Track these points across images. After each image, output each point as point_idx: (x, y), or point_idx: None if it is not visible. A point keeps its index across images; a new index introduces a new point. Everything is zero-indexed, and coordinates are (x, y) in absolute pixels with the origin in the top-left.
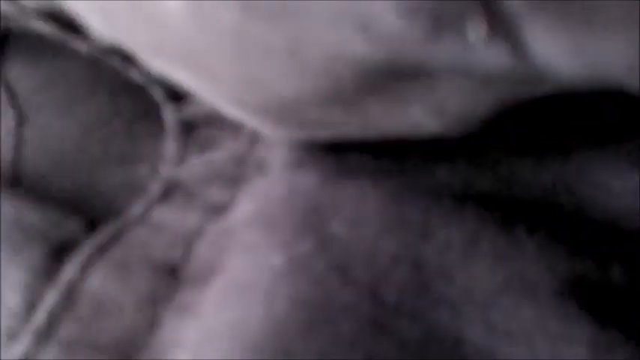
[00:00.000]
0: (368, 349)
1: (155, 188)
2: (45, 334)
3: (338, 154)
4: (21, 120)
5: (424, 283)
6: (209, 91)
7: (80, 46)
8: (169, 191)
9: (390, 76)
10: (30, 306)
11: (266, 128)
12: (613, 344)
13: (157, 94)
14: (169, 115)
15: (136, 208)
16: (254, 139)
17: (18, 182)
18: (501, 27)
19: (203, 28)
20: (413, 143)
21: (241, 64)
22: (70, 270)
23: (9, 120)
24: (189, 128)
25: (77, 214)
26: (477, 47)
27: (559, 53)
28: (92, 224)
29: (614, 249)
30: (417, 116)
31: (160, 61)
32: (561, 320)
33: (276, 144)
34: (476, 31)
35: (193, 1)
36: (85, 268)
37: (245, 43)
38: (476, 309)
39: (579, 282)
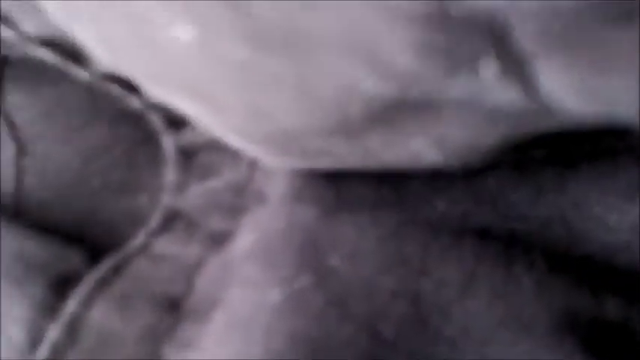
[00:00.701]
0: None
1: (156, 218)
2: None
3: (337, 186)
4: (21, 150)
5: (422, 318)
6: (212, 121)
7: (80, 73)
8: (170, 221)
9: (398, 110)
10: (33, 341)
11: (267, 157)
12: None
13: (156, 122)
14: (168, 142)
15: (138, 239)
16: (253, 166)
17: (19, 213)
18: (514, 66)
19: (211, 61)
20: (413, 175)
21: (248, 97)
22: (72, 304)
23: (9, 150)
24: (188, 155)
25: (78, 246)
26: (489, 85)
27: (569, 91)
28: (94, 255)
29: (609, 284)
30: (417, 147)
31: (163, 90)
32: (557, 355)
33: (275, 174)
34: (489, 69)
35: (202, 35)
36: (87, 302)
37: (254, 76)
38: (473, 345)
39: (575, 317)
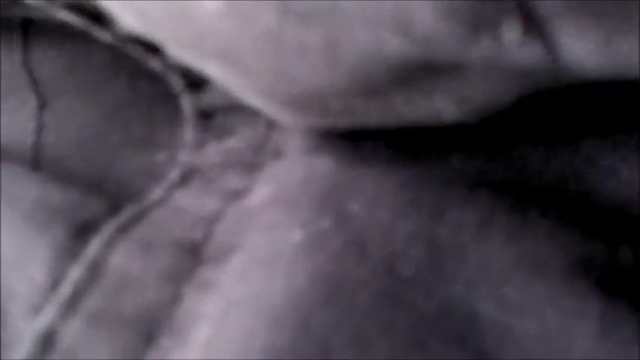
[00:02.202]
0: (384, 321)
1: (174, 174)
2: (70, 307)
3: (354, 141)
4: (42, 105)
5: (439, 260)
6: (238, 84)
7: (102, 34)
8: (187, 177)
9: (422, 72)
10: (55, 281)
11: (287, 118)
12: (622, 319)
13: (176, 83)
14: (187, 102)
15: (156, 193)
16: (271, 126)
17: (40, 164)
18: (536, 27)
19: (240, 28)
20: (428, 131)
21: (276, 62)
22: (93, 248)
23: (30, 105)
24: (206, 116)
25: (98, 196)
26: (512, 47)
27: (590, 52)
28: (113, 206)
29: (622, 233)
30: (438, 105)
31: (193, 57)
32: (572, 296)
33: (292, 131)
34: (511, 31)
35: (231, 2)
36: (108, 246)
37: (281, 42)
38: (489, 285)
39: (589, 261)
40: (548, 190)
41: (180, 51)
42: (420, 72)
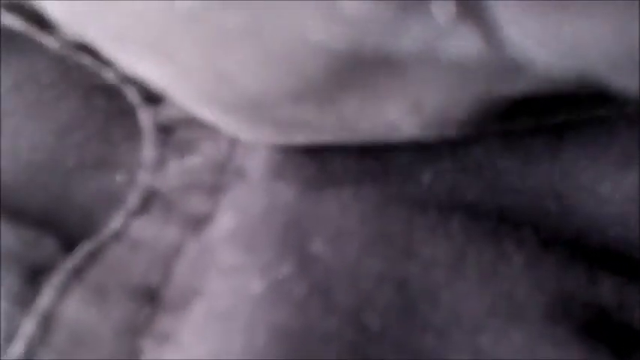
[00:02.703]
0: None
1: (133, 199)
2: None
3: (318, 161)
4: None
5: (409, 305)
6: (177, 86)
7: (50, 42)
8: (148, 202)
9: (359, 67)
10: (8, 335)
11: (241, 131)
12: None
13: (132, 96)
14: (145, 116)
15: (114, 222)
16: (233, 142)
17: None
18: (471, 8)
19: (164, 13)
20: (396, 148)
21: (204, 51)
22: (46, 297)
23: None
24: (166, 131)
25: (54, 231)
26: (446, 31)
27: (533, 38)
28: (69, 240)
29: (603, 261)
30: (392, 115)
31: (124, 50)
32: (550, 344)
33: (255, 149)
34: (443, 12)
35: None
36: (61, 295)
37: (204, 28)
38: (463, 334)
39: (569, 301)
40: (525, 209)
41: (113, 47)
42: (357, 70)
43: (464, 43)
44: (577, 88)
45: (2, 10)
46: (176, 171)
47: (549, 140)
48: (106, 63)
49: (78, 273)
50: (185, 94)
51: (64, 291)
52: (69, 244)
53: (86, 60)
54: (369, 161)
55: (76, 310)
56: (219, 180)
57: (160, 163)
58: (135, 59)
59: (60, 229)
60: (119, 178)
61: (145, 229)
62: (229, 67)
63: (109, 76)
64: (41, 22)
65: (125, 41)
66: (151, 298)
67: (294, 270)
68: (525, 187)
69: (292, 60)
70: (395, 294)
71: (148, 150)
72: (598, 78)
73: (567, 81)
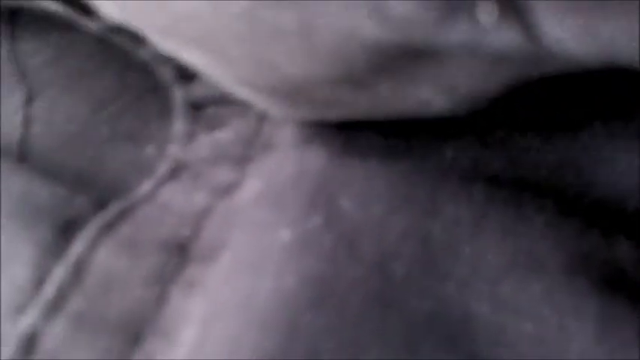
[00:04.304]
0: (376, 324)
1: (163, 168)
2: (53, 308)
3: (346, 133)
4: (29, 97)
5: (432, 258)
6: (220, 73)
7: (89, 25)
8: (177, 171)
9: (402, 58)
10: (38, 281)
11: (275, 109)
12: (620, 319)
13: (165, 74)
14: (177, 94)
15: (144, 188)
16: (262, 118)
17: (26, 159)
18: (513, 8)
19: (214, 11)
20: (421, 122)
21: (253, 47)
22: (78, 246)
23: (17, 97)
24: (196, 107)
25: (85, 192)
26: (489, 29)
27: (570, 34)
28: (100, 202)
29: (620, 228)
30: (426, 95)
31: (171, 43)
32: (569, 295)
33: (284, 124)
34: (487, 13)
35: None
36: (93, 245)
37: (256, 26)
38: (484, 284)
39: (587, 258)
40: (545, 181)
41: (160, 39)
42: (399, 59)
43: (504, 39)
44: (603, 68)
45: None
46: (205, 144)
47: (569, 118)
48: (141, 44)
49: (109, 227)
50: (226, 78)
51: (95, 242)
52: (100, 204)
53: (123, 40)
54: (394, 136)
55: (107, 258)
56: (247, 152)
57: (190, 138)
58: (179, 49)
59: (92, 190)
60: (150, 149)
61: (174, 194)
62: (275, 58)
63: (144, 55)
64: (82, 8)
65: (172, 36)
66: (179, 251)
67: (322, 223)
68: (546, 161)
69: (339, 53)
70: (418, 247)
71: (179, 125)
72: (626, 63)
73: (596, 64)
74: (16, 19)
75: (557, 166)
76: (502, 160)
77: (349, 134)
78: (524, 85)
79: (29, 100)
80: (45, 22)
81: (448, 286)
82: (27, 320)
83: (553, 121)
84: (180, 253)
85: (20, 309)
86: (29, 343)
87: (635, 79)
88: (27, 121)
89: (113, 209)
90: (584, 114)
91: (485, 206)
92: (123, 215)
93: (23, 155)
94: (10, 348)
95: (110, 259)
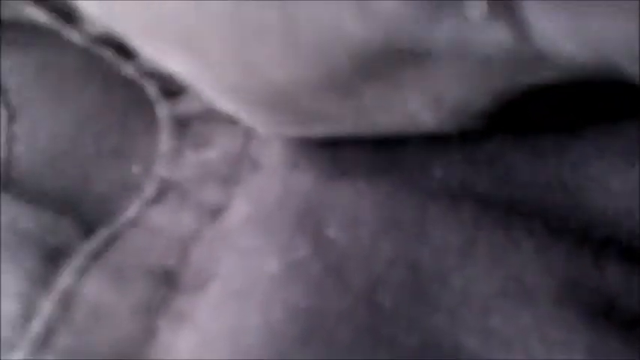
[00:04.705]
0: (364, 357)
1: (149, 188)
2: (42, 343)
3: (333, 152)
4: (12, 116)
5: (421, 287)
6: (203, 79)
7: (73, 35)
8: (163, 191)
9: (387, 61)
10: (27, 315)
11: (260, 123)
12: (610, 350)
13: (151, 89)
14: (163, 110)
15: (131, 210)
16: (248, 136)
17: (11, 182)
18: (502, 5)
19: (198, 9)
20: (409, 140)
21: (236, 46)
22: (65, 277)
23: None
24: (183, 124)
25: (72, 216)
26: (477, 27)
27: (560, 32)
28: (87, 226)
29: (610, 251)
30: (412, 106)
31: (155, 45)
32: (559, 326)
33: (270, 141)
34: (475, 9)
35: None
36: (80, 275)
37: (239, 23)
38: (473, 315)
39: (577, 285)
40: (534, 202)
41: (143, 42)
42: (384, 62)
43: (493, 38)
44: (595, 76)
45: (27, 3)
46: (192, 163)
47: (559, 136)
48: (126, 57)
49: (96, 256)
50: (210, 85)
51: (83, 272)
52: (87, 229)
53: (108, 54)
54: (382, 155)
55: (95, 290)
56: (234, 172)
57: (176, 155)
58: (163, 53)
59: (78, 214)
60: (135, 168)
61: (161, 216)
62: (258, 60)
63: (130, 70)
64: (66, 16)
65: (155, 37)
66: (167, 280)
67: (310, 252)
68: (535, 181)
69: (323, 53)
70: (407, 275)
71: (165, 142)
72: (619, 67)
73: (588, 69)
74: None
75: (546, 186)
76: (491, 180)
77: (336, 154)
78: (512, 102)
79: (12, 118)
80: (27, 37)
81: (437, 318)
82: (17, 357)
83: (542, 140)
84: (168, 283)
85: (10, 345)
86: None
87: (624, 97)
88: (10, 141)
89: (100, 236)
90: (574, 133)
91: (474, 230)
92: (110, 242)
93: (8, 177)
94: None
95: (98, 291)
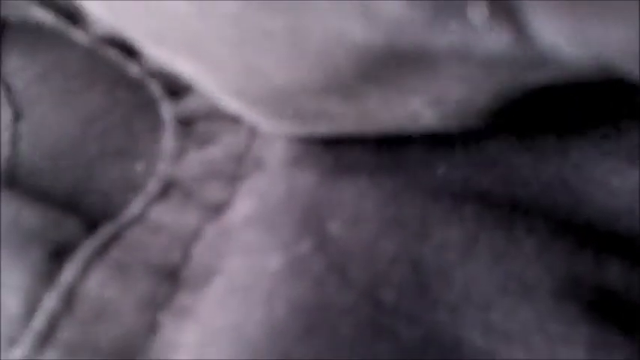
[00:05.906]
0: (367, 352)
1: (153, 186)
2: (45, 338)
3: (336, 151)
4: (17, 115)
5: (423, 283)
6: (209, 81)
7: (79, 36)
8: (167, 189)
9: (390, 63)
10: (30, 310)
11: (264, 122)
12: (611, 345)
13: (155, 89)
14: (167, 109)
15: (135, 207)
16: (252, 134)
17: (15, 179)
18: (504, 8)
19: (204, 16)
20: (412, 140)
21: (242, 51)
22: (69, 272)
23: (5, 115)
24: (186, 123)
25: (75, 213)
26: (480, 31)
27: (562, 36)
28: (90, 223)
29: (611, 249)
30: (415, 107)
31: (162, 50)
32: (560, 321)
33: (274, 140)
34: (478, 14)
35: None
36: (83, 271)
37: (245, 29)
38: (475, 310)
39: (578, 282)
40: (536, 200)
41: (151, 45)
42: (387, 65)
43: (495, 40)
44: (596, 76)
45: (33, 4)
46: (195, 161)
47: (561, 136)
48: (131, 57)
49: (100, 252)
50: (213, 86)
51: (86, 268)
52: (90, 226)
53: (112, 54)
54: (385, 154)
55: (98, 285)
56: (237, 170)
57: (180, 154)
58: (168, 55)
59: (82, 211)
60: (140, 166)
61: (165, 213)
62: (263, 64)
63: (134, 69)
64: (71, 16)
65: (161, 40)
66: (170, 276)
67: (312, 248)
68: (537, 180)
69: (327, 56)
70: (409, 272)
71: (168, 141)
72: (620, 69)
73: (589, 71)
74: (2, 35)
75: (548, 185)
76: (493, 179)
77: (339, 152)
78: (514, 102)
79: (17, 117)
80: (33, 37)
81: (439, 313)
82: (18, 352)
83: (544, 139)
84: (171, 279)
85: (12, 340)
86: None
87: (626, 97)
88: (15, 140)
89: (104, 232)
90: (575, 132)
91: (475, 228)
92: (113, 239)
93: (12, 176)
94: None
95: (101, 286)
